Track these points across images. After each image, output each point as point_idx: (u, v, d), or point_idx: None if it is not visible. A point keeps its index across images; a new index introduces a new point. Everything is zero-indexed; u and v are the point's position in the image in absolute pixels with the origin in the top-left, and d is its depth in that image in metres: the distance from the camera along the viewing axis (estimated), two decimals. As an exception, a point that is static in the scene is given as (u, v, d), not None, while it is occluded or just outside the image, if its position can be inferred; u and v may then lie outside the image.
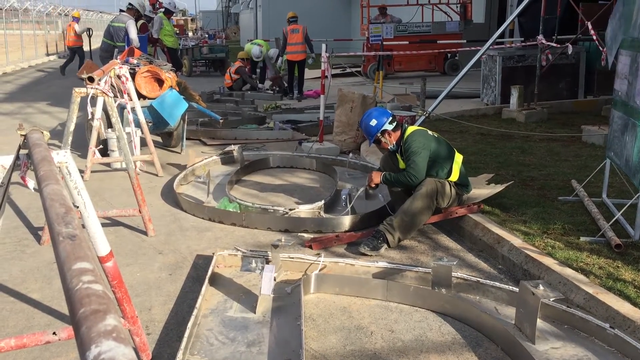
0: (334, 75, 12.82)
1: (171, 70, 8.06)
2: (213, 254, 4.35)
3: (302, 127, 9.41)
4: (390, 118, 4.87)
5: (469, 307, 3.49)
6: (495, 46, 12.13)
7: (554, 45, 9.48)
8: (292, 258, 4.16)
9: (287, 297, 3.77)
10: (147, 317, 3.55)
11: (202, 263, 4.37)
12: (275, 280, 3.76)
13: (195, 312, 3.39)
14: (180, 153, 8.07)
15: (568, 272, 3.75)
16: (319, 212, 5.31)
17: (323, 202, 5.40)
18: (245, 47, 15.51)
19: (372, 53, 13.97)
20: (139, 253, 4.58)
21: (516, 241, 4.31)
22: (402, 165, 5.01)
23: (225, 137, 8.79)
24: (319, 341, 3.29)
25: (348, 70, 13.80)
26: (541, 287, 3.20)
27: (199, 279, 4.08)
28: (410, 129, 4.89)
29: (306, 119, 10.19)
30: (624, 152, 4.78)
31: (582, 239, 4.39)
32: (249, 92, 14.26)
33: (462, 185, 4.94)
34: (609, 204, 5.14)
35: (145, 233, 4.94)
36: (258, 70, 15.15)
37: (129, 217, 5.12)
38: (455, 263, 3.72)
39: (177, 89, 7.64)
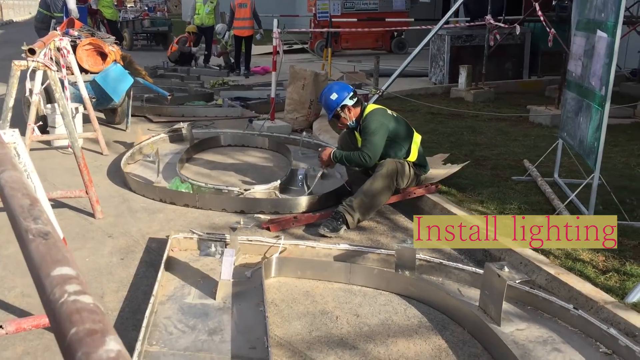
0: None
1: (114, 43, 7.68)
2: (167, 237, 4.17)
3: (251, 104, 9.20)
4: (352, 93, 4.77)
5: (434, 290, 3.46)
6: (445, 26, 12.18)
7: (502, 25, 9.56)
8: (251, 241, 4.03)
9: (247, 282, 3.64)
10: (99, 306, 3.36)
11: (155, 247, 4.18)
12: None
13: (152, 299, 3.22)
14: (125, 130, 7.74)
15: (529, 252, 3.77)
16: (275, 193, 5.18)
17: (279, 182, 5.27)
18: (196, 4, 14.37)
19: (320, 30, 13.79)
20: (87, 237, 4.35)
21: (475, 222, 4.30)
22: (360, 143, 4.93)
23: (172, 114, 8.48)
24: (283, 327, 3.18)
25: (300, 46, 13.55)
26: (506, 269, 3.19)
27: (152, 264, 3.90)
28: (370, 107, 4.80)
29: (255, 96, 9.97)
30: (577, 133, 4.84)
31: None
32: (194, 67, 13.85)
33: (420, 165, 4.90)
34: (561, 183, 5.22)
35: (92, 215, 4.69)
36: (203, 46, 14.70)
37: (75, 198, 4.85)
38: (419, 245, 3.68)
39: (122, 63, 7.30)
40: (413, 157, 4.80)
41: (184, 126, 7.01)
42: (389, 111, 4.89)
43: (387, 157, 4.68)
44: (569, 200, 4.56)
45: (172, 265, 3.85)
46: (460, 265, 3.72)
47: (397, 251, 3.64)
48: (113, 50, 7.23)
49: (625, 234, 4.16)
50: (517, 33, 9.30)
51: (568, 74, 5.22)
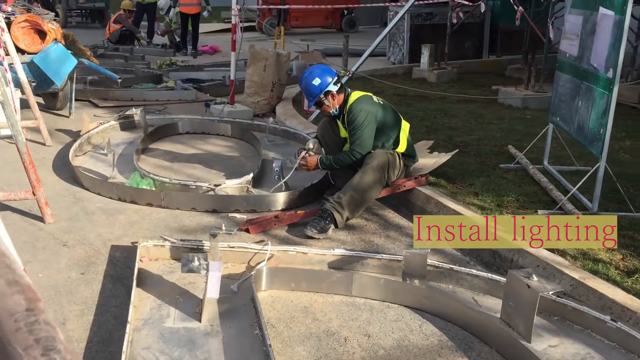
0: (228, 30, 11.90)
1: (54, 20, 6.90)
2: (133, 244, 3.64)
3: (205, 86, 8.57)
4: (335, 78, 4.28)
5: (451, 302, 3.06)
6: (398, 4, 11.79)
7: (466, 3, 9.23)
8: (233, 247, 3.53)
9: (235, 297, 3.15)
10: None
11: (120, 256, 3.62)
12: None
13: (127, 327, 2.70)
14: (68, 117, 7.00)
15: (544, 253, 3.42)
16: (248, 187, 4.67)
17: (252, 175, 4.76)
18: None
19: (270, 6, 13.16)
20: (38, 246, 3.73)
21: (477, 218, 3.94)
22: (343, 133, 4.48)
23: (119, 98, 7.77)
24: (285, 355, 2.72)
25: (249, 24, 12.88)
26: (535, 278, 2.82)
27: (120, 278, 3.35)
28: (355, 95, 4.33)
29: (207, 78, 9.33)
30: (575, 118, 4.54)
31: (540, 212, 4.11)
32: (138, 46, 12.99)
33: (409, 155, 4.50)
34: (552, 171, 4.94)
35: (41, 219, 4.06)
36: (145, 24, 13.82)
37: (20, 200, 4.20)
38: (429, 251, 3.28)
39: (63, 43, 6.55)
40: (402, 147, 4.39)
41: (136, 112, 6.35)
42: (375, 98, 4.45)
43: (375, 148, 4.25)
44: (570, 194, 4.24)
45: (144, 280, 3.31)
46: (473, 271, 3.33)
47: (406, 257, 3.23)
48: (53, 28, 6.48)
49: (634, 228, 3.90)
50: (482, 10, 9.00)
51: (560, 54, 4.90)
